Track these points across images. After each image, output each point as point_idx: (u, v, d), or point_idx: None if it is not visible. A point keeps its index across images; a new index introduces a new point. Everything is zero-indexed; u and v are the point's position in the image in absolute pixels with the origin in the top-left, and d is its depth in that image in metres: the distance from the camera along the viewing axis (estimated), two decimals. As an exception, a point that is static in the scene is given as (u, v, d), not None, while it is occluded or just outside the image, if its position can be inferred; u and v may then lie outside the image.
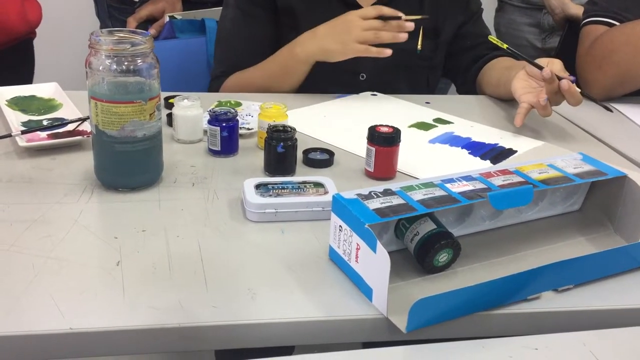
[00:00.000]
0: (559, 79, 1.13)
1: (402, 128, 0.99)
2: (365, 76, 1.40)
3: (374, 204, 0.72)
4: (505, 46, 1.26)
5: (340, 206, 0.73)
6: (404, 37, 1.21)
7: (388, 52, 1.22)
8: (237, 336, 0.67)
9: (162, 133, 0.91)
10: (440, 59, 1.47)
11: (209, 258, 0.76)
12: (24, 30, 1.51)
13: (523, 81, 1.21)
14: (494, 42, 1.28)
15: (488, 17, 1.86)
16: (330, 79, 1.38)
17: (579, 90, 1.14)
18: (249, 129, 1.12)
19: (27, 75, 1.61)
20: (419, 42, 1.40)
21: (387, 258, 0.65)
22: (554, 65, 1.16)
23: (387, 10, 1.22)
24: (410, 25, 1.21)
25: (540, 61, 1.18)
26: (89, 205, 0.86)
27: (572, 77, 1.14)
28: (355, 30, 1.21)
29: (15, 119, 1.09)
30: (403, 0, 1.38)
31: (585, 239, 0.86)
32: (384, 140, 0.95)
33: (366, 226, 0.68)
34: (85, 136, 1.03)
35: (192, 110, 1.07)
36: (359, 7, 1.35)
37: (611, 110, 1.19)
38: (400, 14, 1.22)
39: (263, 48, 1.35)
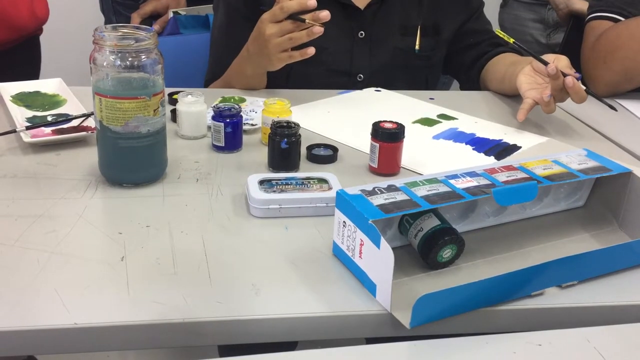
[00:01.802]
0: (564, 75, 1.12)
1: (406, 124, 0.99)
2: (362, 77, 1.39)
3: (377, 200, 0.72)
4: (512, 40, 1.26)
5: (344, 202, 0.73)
6: (319, 30, 1.13)
7: (311, 51, 1.16)
8: (240, 331, 0.67)
9: (166, 129, 0.91)
10: (439, 58, 1.46)
11: (213, 254, 0.76)
12: (33, 27, 1.51)
13: (529, 76, 1.20)
14: (501, 35, 1.27)
15: (493, 12, 1.86)
16: (326, 81, 1.37)
17: (584, 87, 1.13)
18: (252, 124, 1.12)
19: (34, 71, 1.61)
20: (417, 42, 1.39)
21: (391, 254, 0.65)
22: (560, 62, 1.15)
23: (293, 6, 1.12)
24: (325, 15, 1.12)
25: (547, 57, 1.17)
26: (94, 201, 0.86)
27: (577, 75, 1.14)
28: (270, 42, 1.16)
29: (20, 115, 1.09)
30: (401, 0, 1.37)
31: (589, 235, 0.86)
32: (388, 136, 0.95)
33: (370, 222, 0.68)
34: (89, 132, 1.03)
35: (196, 106, 1.07)
36: (354, 6, 1.35)
37: (615, 110, 1.19)
38: (311, 4, 1.11)
39: None
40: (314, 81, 1.37)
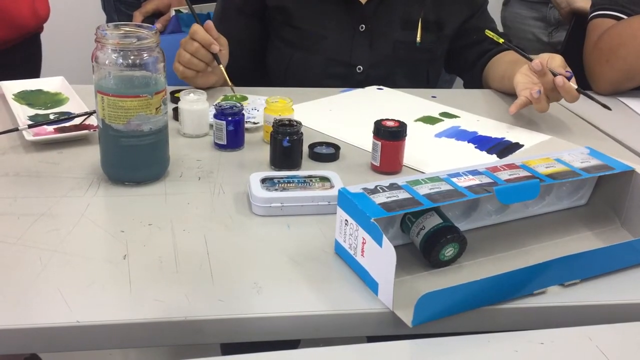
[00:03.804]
0: (555, 75, 1.12)
1: (408, 122, 0.99)
2: (362, 68, 1.39)
3: (379, 198, 0.72)
4: (501, 40, 1.26)
5: (346, 200, 0.73)
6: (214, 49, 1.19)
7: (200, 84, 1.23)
8: (242, 330, 0.67)
9: (168, 127, 0.91)
10: (441, 53, 1.46)
11: (215, 252, 0.76)
12: (34, 25, 1.51)
13: (525, 76, 1.20)
14: (491, 36, 1.27)
15: (495, 11, 1.86)
16: (325, 70, 1.38)
17: (575, 86, 1.13)
18: (254, 123, 1.12)
19: (35, 69, 1.61)
20: (418, 35, 1.39)
21: (393, 252, 0.65)
22: (554, 61, 1.15)
23: (199, 36, 1.18)
24: (216, 48, 1.19)
25: (542, 56, 1.17)
26: (96, 199, 0.86)
27: (568, 73, 1.13)
28: (181, 56, 1.21)
29: (22, 113, 1.09)
30: None
31: (592, 234, 0.85)
32: (390, 135, 0.95)
33: (372, 220, 0.68)
34: (91, 130, 1.03)
35: (198, 104, 1.07)
36: (355, 0, 1.35)
37: (610, 109, 1.18)
38: (213, 42, 1.18)
39: (235, 48, 1.32)
40: (313, 70, 1.37)
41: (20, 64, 1.50)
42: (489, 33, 1.28)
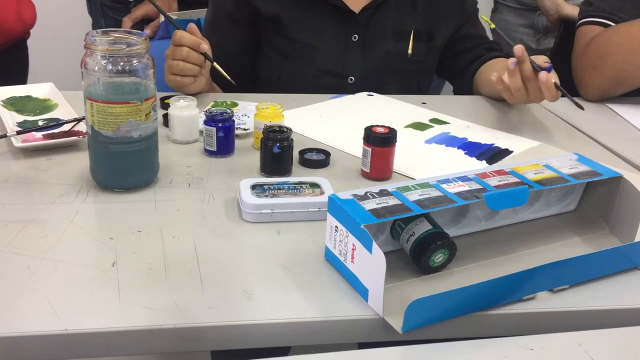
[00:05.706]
0: (535, 69, 1.11)
1: (398, 128, 0.99)
2: (353, 79, 1.39)
3: (369, 205, 0.72)
4: (492, 25, 1.26)
5: (336, 207, 0.73)
6: (191, 68, 1.20)
7: (194, 88, 1.23)
8: (233, 337, 0.67)
9: (157, 133, 0.91)
10: (432, 64, 1.46)
11: (205, 258, 0.76)
12: (20, 31, 1.51)
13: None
14: (485, 20, 1.28)
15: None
16: (317, 81, 1.38)
17: (555, 80, 1.12)
18: (245, 129, 1.12)
19: (21, 75, 1.61)
20: (410, 46, 1.39)
21: (383, 258, 0.65)
22: (537, 59, 1.15)
23: (187, 40, 1.18)
24: (205, 47, 1.19)
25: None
26: (85, 206, 0.86)
27: (547, 64, 1.12)
28: (166, 62, 1.21)
29: (11, 120, 1.09)
30: (395, 5, 1.38)
31: (580, 239, 0.86)
32: (380, 141, 0.95)
33: (362, 227, 0.68)
34: (80, 136, 1.02)
35: (188, 110, 1.07)
36: (348, 10, 1.35)
37: (582, 108, 1.17)
38: (200, 42, 1.18)
39: (226, 57, 1.31)
40: (305, 80, 1.37)
41: (6, 70, 1.50)
42: (483, 17, 1.28)
